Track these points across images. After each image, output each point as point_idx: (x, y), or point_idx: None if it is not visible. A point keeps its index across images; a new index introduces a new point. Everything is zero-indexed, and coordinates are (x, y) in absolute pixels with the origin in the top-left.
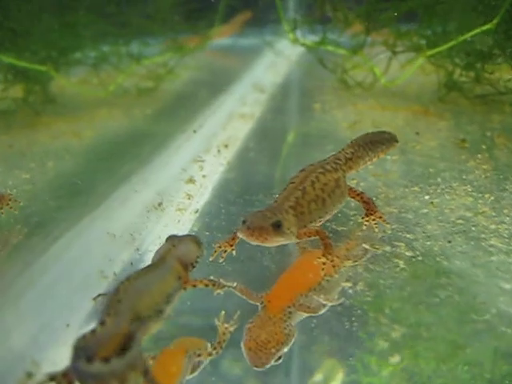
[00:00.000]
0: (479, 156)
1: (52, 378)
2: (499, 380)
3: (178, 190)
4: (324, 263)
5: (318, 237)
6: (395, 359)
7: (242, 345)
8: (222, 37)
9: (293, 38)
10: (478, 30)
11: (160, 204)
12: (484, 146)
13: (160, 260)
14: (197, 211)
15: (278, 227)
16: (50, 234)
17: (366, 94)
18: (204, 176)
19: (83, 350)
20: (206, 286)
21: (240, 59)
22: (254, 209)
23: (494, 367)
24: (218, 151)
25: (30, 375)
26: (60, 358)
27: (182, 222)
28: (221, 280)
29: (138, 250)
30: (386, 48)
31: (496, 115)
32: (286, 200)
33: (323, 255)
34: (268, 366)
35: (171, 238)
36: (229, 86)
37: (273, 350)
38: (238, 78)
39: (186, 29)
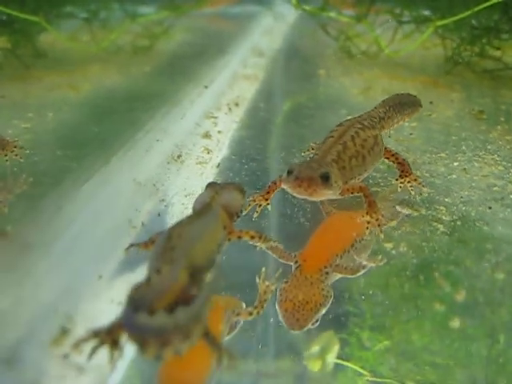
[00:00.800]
0: (499, 127)
1: (96, 335)
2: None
3: (196, 144)
4: (368, 222)
5: (361, 193)
6: (455, 323)
7: (276, 306)
8: (220, 4)
9: (295, 3)
10: (486, 4)
11: (179, 156)
12: (502, 118)
13: (206, 207)
14: (218, 165)
15: (326, 179)
16: (65, 183)
17: (370, 63)
18: (219, 132)
19: (140, 301)
20: (252, 238)
21: (237, 24)
22: (278, 166)
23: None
24: (230, 109)
25: (65, 331)
26: (94, 312)
27: (205, 176)
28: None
29: (163, 200)
30: (392, 17)
31: (506, 90)
32: (327, 153)
33: (367, 213)
34: (305, 328)
35: (213, 185)
36: (226, 48)
37: (311, 312)
38: (235, 41)
39: None
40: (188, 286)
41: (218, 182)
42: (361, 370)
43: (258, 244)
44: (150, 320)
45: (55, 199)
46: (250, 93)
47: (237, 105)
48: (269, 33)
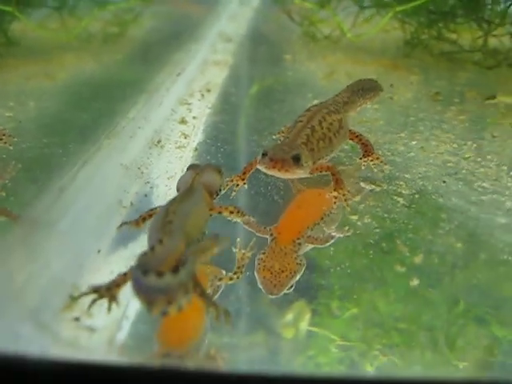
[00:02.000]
0: (453, 108)
1: (95, 290)
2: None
3: (173, 130)
4: (336, 197)
5: (328, 172)
6: (414, 283)
7: (255, 274)
8: None
9: None
10: None
11: (159, 141)
12: (456, 100)
13: (191, 187)
14: (196, 149)
15: (297, 160)
16: (53, 168)
17: (334, 47)
18: (194, 117)
19: (148, 265)
20: (231, 213)
21: (204, 8)
22: (251, 148)
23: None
24: (202, 95)
25: (74, 298)
26: (96, 282)
27: (184, 159)
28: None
29: (148, 182)
30: (354, 2)
31: (461, 72)
32: (297, 137)
33: (335, 190)
34: (282, 293)
35: (194, 167)
36: (195, 34)
37: (286, 279)
38: (202, 27)
39: None
40: (185, 252)
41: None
42: (331, 336)
43: (235, 218)
44: (159, 281)
45: (50, 183)
46: (220, 78)
47: (208, 91)
48: (234, 18)
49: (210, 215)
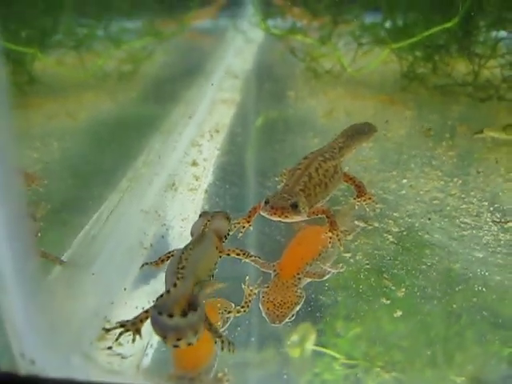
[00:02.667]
0: (444, 144)
1: (122, 325)
2: (451, 335)
3: (186, 172)
4: (330, 237)
5: (324, 215)
6: (397, 314)
7: (260, 306)
8: (197, 20)
9: (264, 27)
10: (438, 28)
11: (173, 184)
12: (447, 135)
13: (202, 233)
14: (206, 191)
15: (295, 207)
16: (80, 210)
17: (334, 82)
18: (205, 159)
19: (163, 307)
20: (238, 254)
21: (212, 39)
22: (255, 190)
23: (449, 325)
24: (211, 136)
25: (106, 330)
26: (124, 316)
27: (196, 201)
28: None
29: (164, 225)
30: (353, 39)
31: (454, 105)
32: (296, 184)
33: (329, 230)
34: (284, 322)
35: (205, 214)
36: (204, 70)
37: (288, 310)
38: (211, 61)
39: (164, 13)
40: (196, 293)
41: (207, 207)
42: (336, 355)
43: (242, 258)
44: (170, 321)
45: (78, 226)
46: (228, 118)
47: (217, 131)
48: (241, 52)
49: (220, 257)
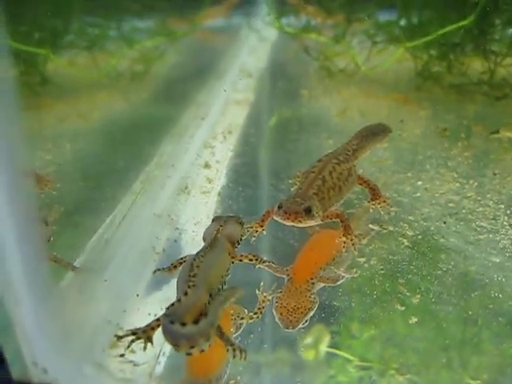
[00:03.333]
0: (459, 144)
1: (134, 333)
2: (468, 339)
3: (198, 174)
4: (344, 241)
5: (338, 219)
6: (412, 320)
7: (273, 311)
8: (209, 19)
9: (278, 26)
10: (454, 26)
11: (186, 187)
12: (463, 135)
13: (214, 239)
14: (219, 194)
15: (309, 211)
16: (93, 212)
17: (348, 81)
18: (217, 161)
19: (174, 315)
20: (251, 260)
21: (225, 37)
22: (268, 192)
23: (467, 329)
24: (224, 137)
25: (118, 337)
26: (136, 323)
27: (209, 205)
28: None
29: (177, 229)
30: (367, 38)
31: (469, 104)
32: (310, 187)
33: (343, 235)
34: (297, 328)
35: (218, 219)
36: (217, 69)
37: (302, 315)
38: (224, 60)
39: (175, 13)
40: (207, 302)
41: (220, 211)
42: (350, 357)
43: (255, 264)
44: (182, 330)
45: (91, 229)
46: (241, 118)
47: (230, 132)
48: (254, 51)
49: (233, 262)
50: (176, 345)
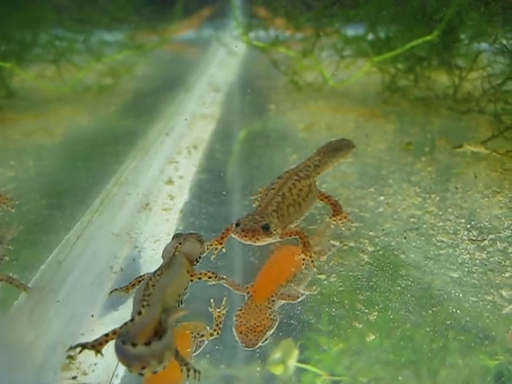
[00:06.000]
0: (423, 158)
1: (83, 346)
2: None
3: (161, 191)
4: (303, 259)
5: (297, 236)
6: (370, 338)
7: (233, 329)
8: (180, 32)
9: (246, 40)
10: (419, 40)
11: (147, 204)
12: (427, 149)
13: (172, 257)
14: (181, 211)
15: (267, 229)
16: (52, 231)
17: (316, 95)
18: (181, 177)
19: (126, 335)
20: (209, 277)
21: (196, 53)
22: (231, 208)
23: (432, 342)
24: (189, 152)
25: (71, 358)
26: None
27: (170, 222)
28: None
29: (136, 247)
30: (335, 52)
31: (435, 118)
32: (269, 205)
33: (303, 252)
34: (257, 346)
35: (177, 237)
36: (185, 83)
37: (261, 333)
38: (192, 74)
39: (145, 26)
40: (162, 321)
41: (181, 228)
42: (318, 371)
43: (214, 281)
44: (133, 350)
45: (49, 247)
46: (207, 133)
47: (195, 147)
48: (223, 64)
49: (191, 280)
50: (128, 365)
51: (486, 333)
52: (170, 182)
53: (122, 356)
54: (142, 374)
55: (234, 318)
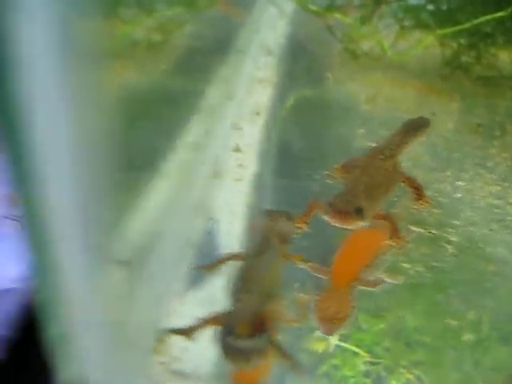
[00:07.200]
0: (495, 143)
1: (176, 331)
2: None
3: (229, 159)
4: (391, 245)
5: (386, 221)
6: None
7: (312, 315)
8: None
9: (299, 2)
10: (490, 17)
11: (218, 173)
12: (498, 133)
13: (265, 239)
14: (252, 182)
15: (360, 212)
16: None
17: (374, 65)
18: (248, 145)
19: (228, 327)
20: (301, 260)
21: (245, 13)
22: (304, 183)
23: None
24: (252, 119)
25: (161, 340)
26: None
27: (243, 193)
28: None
29: (211, 219)
30: (395, 21)
31: (500, 100)
32: (356, 185)
33: (391, 238)
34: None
35: (269, 214)
36: (236, 44)
37: (342, 320)
38: (243, 35)
39: None
40: (264, 310)
41: (256, 202)
42: (358, 351)
43: (303, 264)
44: (235, 343)
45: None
46: (266, 99)
47: (258, 114)
48: (273, 28)
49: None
50: (230, 359)
51: None
52: (237, 149)
53: (224, 349)
54: (242, 368)
55: (313, 304)
